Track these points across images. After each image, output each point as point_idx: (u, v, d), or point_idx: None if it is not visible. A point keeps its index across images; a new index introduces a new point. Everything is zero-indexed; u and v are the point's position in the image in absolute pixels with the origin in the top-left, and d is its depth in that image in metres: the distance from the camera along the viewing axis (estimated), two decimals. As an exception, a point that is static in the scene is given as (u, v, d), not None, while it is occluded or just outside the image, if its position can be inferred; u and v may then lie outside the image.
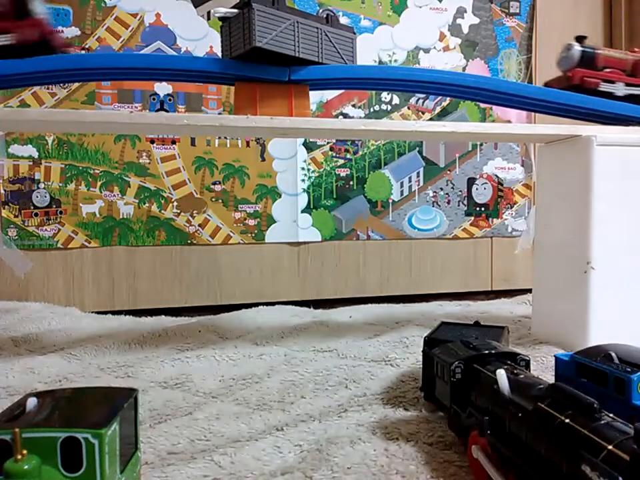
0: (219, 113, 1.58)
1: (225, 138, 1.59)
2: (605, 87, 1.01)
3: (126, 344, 1.13)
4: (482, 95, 1.02)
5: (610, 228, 0.97)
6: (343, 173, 1.68)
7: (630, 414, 0.54)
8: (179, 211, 1.57)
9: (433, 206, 1.75)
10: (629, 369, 0.57)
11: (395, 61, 1.69)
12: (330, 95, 1.66)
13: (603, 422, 0.42)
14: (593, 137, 0.96)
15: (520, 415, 0.48)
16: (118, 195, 1.53)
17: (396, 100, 1.70)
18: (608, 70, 1.02)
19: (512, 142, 1.75)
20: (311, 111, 1.61)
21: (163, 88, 1.54)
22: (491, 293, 1.81)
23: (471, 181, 1.77)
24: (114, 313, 1.49)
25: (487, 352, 0.61)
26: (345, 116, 1.67)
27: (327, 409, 0.79)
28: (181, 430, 0.72)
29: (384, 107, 1.69)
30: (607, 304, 0.97)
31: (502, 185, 1.79)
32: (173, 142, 1.56)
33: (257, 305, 1.54)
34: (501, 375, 0.53)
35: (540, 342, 1.07)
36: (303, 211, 1.65)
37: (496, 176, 1.79)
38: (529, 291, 1.77)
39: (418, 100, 1.72)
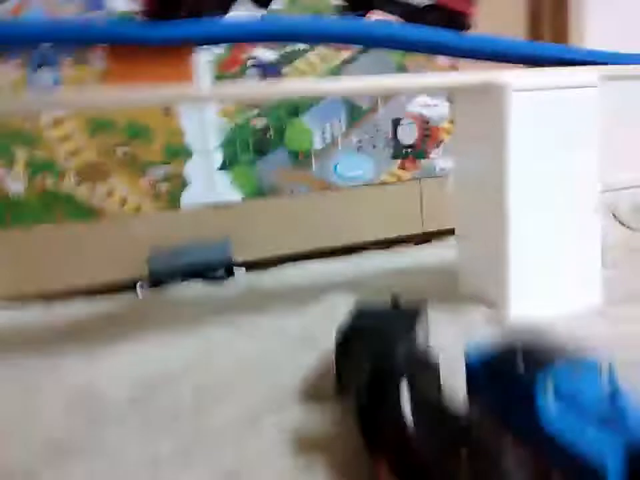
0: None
1: (122, 94, 1.41)
2: None
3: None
4: (392, 44, 0.92)
5: (527, 177, 0.92)
6: (259, 123, 1.55)
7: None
8: (78, 182, 1.41)
9: (358, 151, 1.66)
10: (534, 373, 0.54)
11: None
12: (236, 36, 1.49)
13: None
14: (509, 83, 0.88)
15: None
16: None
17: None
18: None
19: (427, 93, 1.65)
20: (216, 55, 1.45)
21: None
22: (423, 235, 1.79)
23: (395, 122, 1.68)
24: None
25: (392, 367, 0.56)
26: (256, 59, 1.51)
27: (240, 418, 0.74)
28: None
29: (300, 45, 1.54)
30: (526, 256, 0.95)
31: (428, 123, 1.72)
32: (61, 103, 1.37)
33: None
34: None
35: (464, 300, 1.05)
36: (219, 169, 1.53)
37: (421, 114, 1.70)
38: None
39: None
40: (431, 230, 1.78)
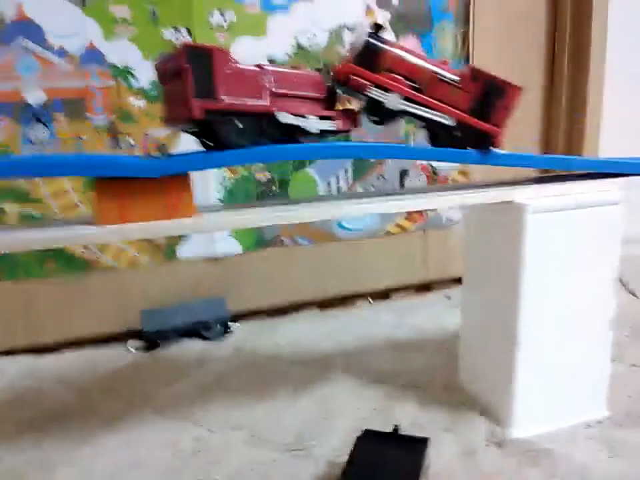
0: (109, 120, 1.34)
1: (120, 148, 1.37)
2: (375, 94, 0.81)
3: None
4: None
5: (540, 297, 0.88)
6: (263, 177, 1.50)
7: None
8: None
9: (363, 202, 1.61)
10: None
11: (317, 44, 1.45)
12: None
13: None
14: (527, 204, 0.83)
15: None
16: (-5, 226, 1.31)
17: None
18: (390, 74, 0.81)
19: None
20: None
21: (34, 95, 1.28)
22: (426, 285, 1.74)
23: (403, 173, 1.62)
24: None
25: None
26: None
27: None
28: None
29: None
30: (534, 375, 0.91)
31: (436, 174, 1.66)
32: (56, 157, 1.33)
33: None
34: None
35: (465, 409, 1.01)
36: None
37: (430, 165, 1.65)
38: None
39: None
40: (435, 278, 1.74)
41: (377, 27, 0.82)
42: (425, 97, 0.82)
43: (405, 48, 0.83)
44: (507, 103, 0.83)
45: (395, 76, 0.81)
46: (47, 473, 0.90)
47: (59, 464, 0.92)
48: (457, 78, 0.82)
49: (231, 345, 1.39)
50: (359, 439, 0.81)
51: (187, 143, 1.39)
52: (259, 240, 1.53)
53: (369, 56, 0.80)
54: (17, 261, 1.33)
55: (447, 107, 0.82)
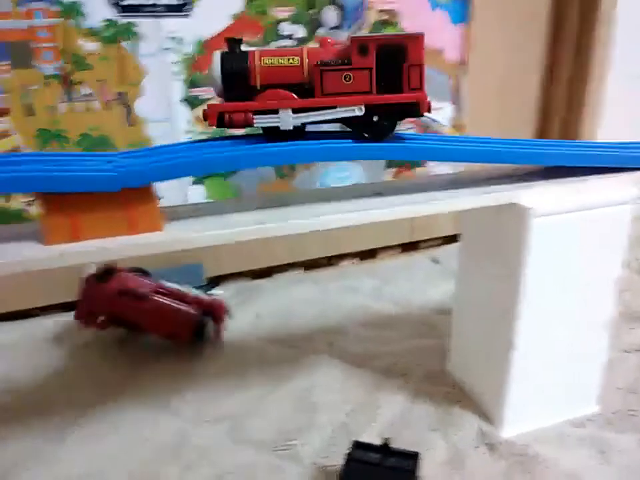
0: (58, 67, 1.16)
1: (73, 100, 1.20)
2: (262, 122, 0.68)
3: None
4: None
5: (540, 298, 0.82)
6: (238, 131, 1.35)
7: None
8: (32, 199, 1.24)
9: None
10: None
11: None
12: (211, 30, 1.25)
13: None
14: (531, 208, 0.74)
15: None
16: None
17: (301, 32, 1.31)
18: (268, 90, 0.67)
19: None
20: (185, 56, 1.22)
21: (-32, 37, 1.09)
22: (412, 244, 1.67)
23: (392, 127, 1.49)
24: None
25: None
26: (235, 57, 1.28)
27: None
28: None
29: (285, 42, 1.31)
30: (527, 373, 0.87)
31: (427, 128, 1.53)
32: (2, 113, 1.16)
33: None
34: None
35: (454, 403, 0.97)
36: (193, 183, 1.36)
37: (422, 121, 1.51)
38: (451, 238, 1.67)
39: (329, 31, 1.34)
40: (419, 239, 1.67)
41: (233, 43, 0.67)
42: (317, 99, 0.68)
43: (267, 51, 0.68)
44: (414, 59, 0.67)
45: (275, 91, 0.67)
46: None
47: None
48: (342, 60, 0.68)
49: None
50: (349, 454, 0.77)
51: (150, 97, 1.25)
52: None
53: (240, 80, 0.67)
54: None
55: (346, 98, 0.68)
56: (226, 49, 0.68)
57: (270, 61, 0.67)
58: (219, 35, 1.25)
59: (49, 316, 1.32)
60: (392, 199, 0.73)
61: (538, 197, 0.75)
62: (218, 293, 1.41)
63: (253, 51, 0.68)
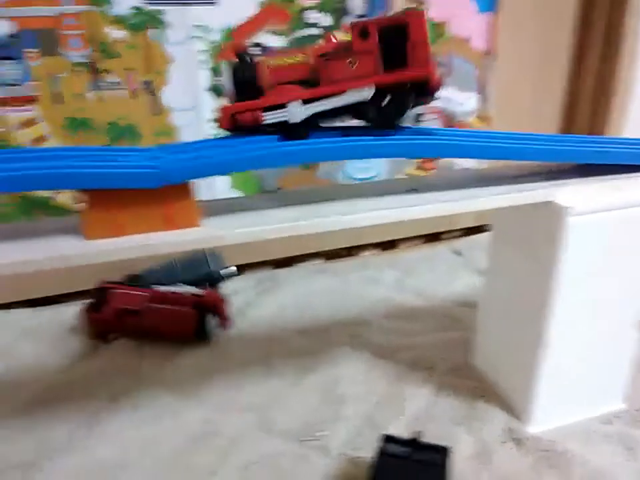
0: (86, 55, 1.16)
1: (100, 88, 1.20)
2: (272, 118, 0.67)
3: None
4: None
5: (573, 297, 0.81)
6: (263, 121, 1.35)
7: None
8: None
9: (372, 149, 1.48)
10: None
11: None
12: (238, 18, 1.24)
13: None
14: (568, 207, 0.74)
15: None
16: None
17: (327, 20, 1.30)
18: (277, 87, 0.67)
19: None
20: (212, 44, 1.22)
21: (0, 26, 1.09)
22: (435, 235, 1.67)
23: (416, 117, 1.48)
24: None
25: None
26: (261, 46, 1.27)
27: None
28: None
29: (311, 31, 1.30)
30: (556, 370, 0.87)
31: (453, 119, 1.52)
32: (31, 100, 1.17)
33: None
34: None
35: (480, 397, 0.97)
36: (216, 171, 1.36)
37: (445, 109, 1.50)
38: (473, 230, 1.66)
39: (356, 19, 1.32)
40: (437, 231, 1.66)
41: (243, 55, 0.67)
42: (324, 88, 0.67)
43: (274, 54, 0.69)
44: (418, 37, 0.65)
45: (283, 86, 0.67)
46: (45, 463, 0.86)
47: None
48: (345, 48, 0.66)
49: (234, 305, 1.33)
50: (380, 448, 0.78)
51: (176, 85, 1.24)
52: (260, 191, 1.42)
53: (248, 86, 0.66)
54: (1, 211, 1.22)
55: (352, 82, 0.66)
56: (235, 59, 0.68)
57: (277, 61, 0.67)
58: (245, 23, 1.24)
59: (74, 303, 1.34)
60: (428, 195, 0.72)
61: (574, 195, 0.74)
62: (232, 270, 1.38)
63: (261, 58, 0.68)
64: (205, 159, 0.62)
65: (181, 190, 0.61)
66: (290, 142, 0.67)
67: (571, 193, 0.75)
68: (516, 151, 0.75)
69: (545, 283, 0.80)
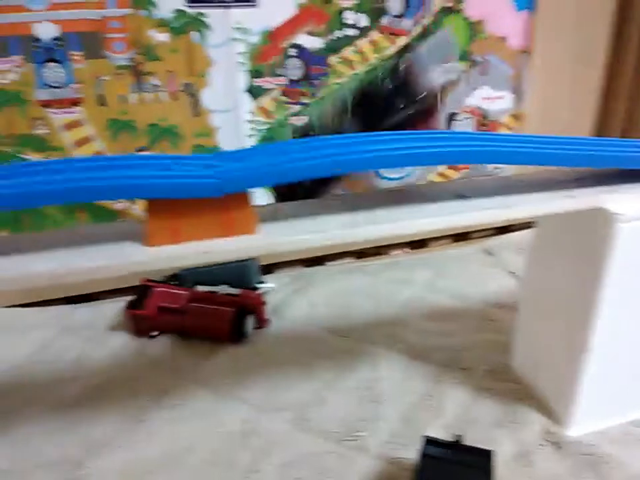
0: (129, 58, 1.19)
1: (144, 90, 1.22)
2: None
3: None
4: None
5: (618, 308, 0.81)
6: (300, 121, 1.36)
7: None
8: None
9: (405, 149, 1.48)
10: None
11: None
12: (277, 20, 1.25)
13: None
14: (618, 214, 0.74)
15: None
16: (17, 177, 1.21)
17: (363, 21, 1.30)
18: None
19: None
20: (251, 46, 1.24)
21: (45, 29, 1.12)
22: (464, 234, 1.67)
23: (450, 117, 1.48)
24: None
25: None
26: (299, 47, 1.28)
27: None
28: None
29: (348, 31, 1.30)
30: (598, 381, 0.87)
31: (486, 118, 1.51)
32: (75, 102, 1.20)
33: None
34: None
35: (519, 400, 0.98)
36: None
37: (479, 108, 1.49)
38: (503, 229, 1.66)
39: (393, 20, 1.32)
40: (471, 229, 1.66)
41: None
42: None
43: None
44: None
45: None
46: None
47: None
48: None
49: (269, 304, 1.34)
50: (423, 450, 0.79)
51: (215, 87, 1.26)
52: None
53: None
54: (45, 211, 1.26)
55: None
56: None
57: None
58: (284, 24, 1.25)
59: (110, 300, 1.36)
60: (477, 202, 0.73)
61: (624, 201, 0.75)
62: (269, 286, 1.41)
63: None
64: (265, 167, 0.63)
65: (240, 198, 0.63)
66: (344, 149, 0.68)
67: (620, 199, 0.75)
68: (569, 157, 0.75)
69: (591, 288, 0.80)
